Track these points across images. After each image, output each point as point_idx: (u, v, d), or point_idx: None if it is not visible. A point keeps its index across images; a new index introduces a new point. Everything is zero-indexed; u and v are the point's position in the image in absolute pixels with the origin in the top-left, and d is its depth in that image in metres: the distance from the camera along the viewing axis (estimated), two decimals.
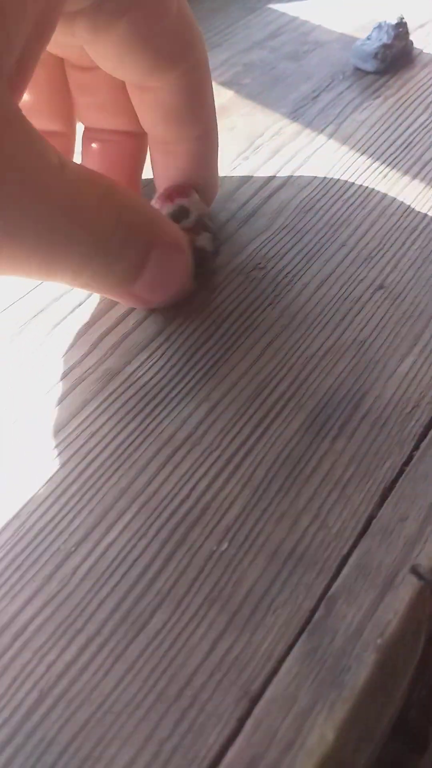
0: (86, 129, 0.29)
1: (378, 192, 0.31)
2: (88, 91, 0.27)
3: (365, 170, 0.32)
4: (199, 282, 0.27)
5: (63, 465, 0.22)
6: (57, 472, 0.22)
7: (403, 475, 0.21)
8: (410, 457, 0.21)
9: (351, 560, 0.19)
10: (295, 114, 0.36)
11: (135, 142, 0.28)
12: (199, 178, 0.28)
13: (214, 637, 0.18)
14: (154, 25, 0.22)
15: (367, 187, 0.31)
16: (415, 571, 0.19)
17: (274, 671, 0.17)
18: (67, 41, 0.23)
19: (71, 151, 0.29)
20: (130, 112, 0.27)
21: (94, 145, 0.29)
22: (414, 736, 0.38)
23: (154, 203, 0.27)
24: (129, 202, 0.22)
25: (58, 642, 0.18)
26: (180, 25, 0.23)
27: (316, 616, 0.18)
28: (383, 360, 0.24)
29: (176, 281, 0.25)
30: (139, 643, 0.18)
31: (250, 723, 0.16)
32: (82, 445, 0.22)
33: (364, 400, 0.23)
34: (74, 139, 0.29)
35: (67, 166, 0.20)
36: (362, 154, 0.33)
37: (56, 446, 0.22)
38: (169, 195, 0.27)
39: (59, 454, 0.22)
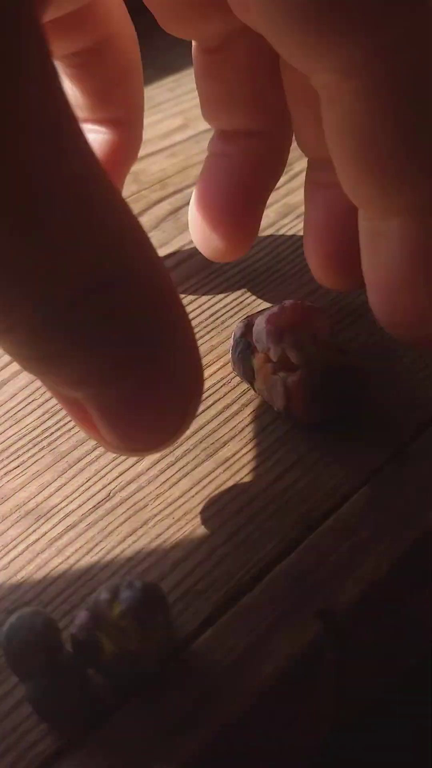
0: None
1: None
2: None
3: None
4: None
5: None
6: None
7: None
8: None
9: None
10: None
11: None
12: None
13: (280, 471, 0.18)
14: None
15: None
16: None
17: (336, 506, 0.17)
18: None
19: (279, 161, 0.21)
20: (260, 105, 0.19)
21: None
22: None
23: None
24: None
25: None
26: None
27: (386, 469, 0.18)
28: None
29: (154, 427, 0.15)
30: (208, 466, 0.18)
31: (304, 544, 0.16)
32: None
33: None
34: (286, 143, 0.20)
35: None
36: None
37: None
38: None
39: None
